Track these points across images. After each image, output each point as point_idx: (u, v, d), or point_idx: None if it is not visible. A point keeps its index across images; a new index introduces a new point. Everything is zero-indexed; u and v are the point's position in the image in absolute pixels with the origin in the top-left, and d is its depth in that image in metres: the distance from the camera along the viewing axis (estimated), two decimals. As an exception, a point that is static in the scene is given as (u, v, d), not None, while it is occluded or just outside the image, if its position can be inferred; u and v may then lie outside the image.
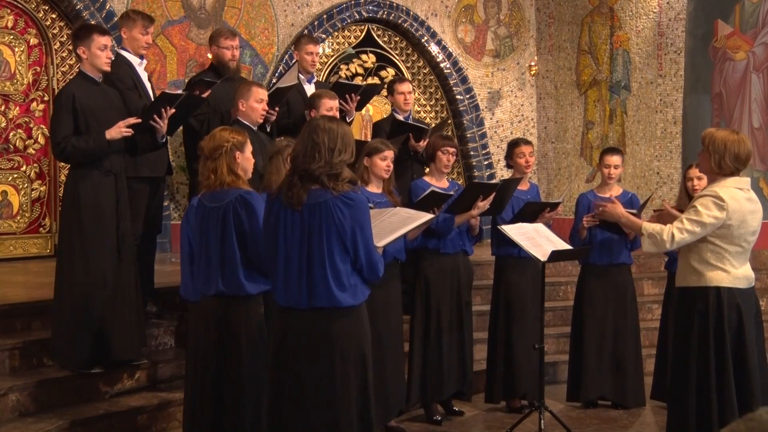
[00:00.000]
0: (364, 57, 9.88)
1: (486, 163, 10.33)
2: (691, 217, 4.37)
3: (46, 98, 8.13)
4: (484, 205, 5.78)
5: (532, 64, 10.61)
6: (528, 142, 6.37)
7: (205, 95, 5.94)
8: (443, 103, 10.32)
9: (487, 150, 10.36)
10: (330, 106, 5.94)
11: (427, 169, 6.56)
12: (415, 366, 5.86)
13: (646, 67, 9.66)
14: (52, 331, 5.36)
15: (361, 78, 9.70)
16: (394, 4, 9.82)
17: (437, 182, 5.96)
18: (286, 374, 3.85)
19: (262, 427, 4.15)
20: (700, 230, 4.35)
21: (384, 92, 7.98)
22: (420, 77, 10.21)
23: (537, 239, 5.60)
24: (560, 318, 7.54)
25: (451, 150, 6.00)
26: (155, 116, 5.39)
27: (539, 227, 5.81)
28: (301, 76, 6.90)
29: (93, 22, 7.80)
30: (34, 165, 8.13)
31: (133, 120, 5.31)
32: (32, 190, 8.14)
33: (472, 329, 6.09)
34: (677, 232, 4.38)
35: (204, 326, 4.33)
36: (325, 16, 9.41)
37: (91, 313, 5.22)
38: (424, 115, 10.17)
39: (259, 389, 4.18)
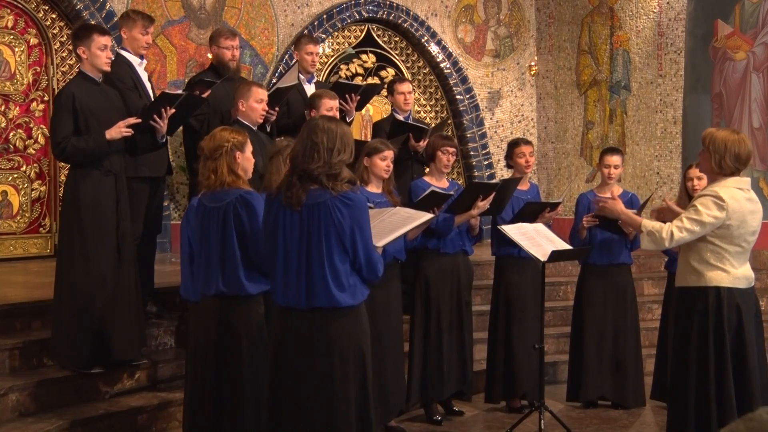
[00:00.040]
0: (364, 57, 9.88)
1: (486, 163, 10.33)
2: (690, 216, 4.37)
3: (46, 98, 8.13)
4: (484, 205, 5.78)
5: (532, 64, 10.61)
6: (528, 142, 6.37)
7: (205, 95, 5.94)
8: (443, 103, 10.32)
9: (487, 150, 10.36)
10: (330, 106, 5.94)
11: (427, 169, 6.56)
12: (415, 366, 5.86)
13: (646, 67, 9.66)
14: (52, 331, 5.36)
15: (361, 78, 9.70)
16: (394, 4, 9.83)
17: (437, 182, 5.96)
18: (285, 374, 3.85)
19: (262, 428, 4.15)
20: (700, 229, 4.35)
21: (384, 92, 7.98)
22: (420, 77, 10.21)
23: (537, 239, 5.60)
24: (560, 318, 7.54)
25: (451, 150, 6.00)
26: (155, 116, 5.39)
27: (539, 227, 5.81)
28: (301, 76, 6.90)
29: (93, 22, 7.81)
30: (34, 165, 8.13)
31: (133, 120, 5.31)
32: (32, 190, 8.15)
33: (472, 329, 6.09)
34: (676, 230, 4.38)
35: (204, 326, 4.33)
36: (325, 16, 9.41)
37: (91, 313, 5.22)
38: (424, 115, 10.17)
39: (260, 389, 4.18)
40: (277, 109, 6.20)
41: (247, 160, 4.38)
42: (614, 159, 6.28)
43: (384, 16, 9.81)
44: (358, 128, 9.59)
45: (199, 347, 4.36)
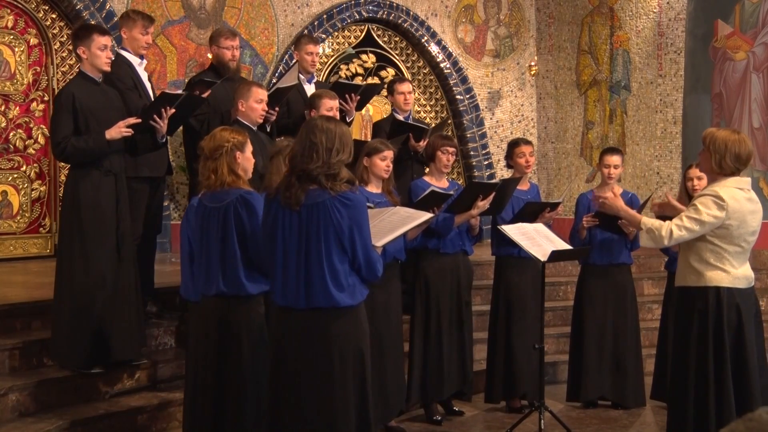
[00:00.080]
0: (364, 57, 9.88)
1: (486, 163, 10.33)
2: (690, 215, 4.38)
3: (46, 98, 8.13)
4: (483, 204, 5.78)
5: (532, 64, 10.61)
6: (528, 142, 6.37)
7: (205, 95, 5.94)
8: (443, 103, 10.32)
9: (487, 150, 10.36)
10: (330, 106, 5.94)
11: (427, 169, 6.56)
12: (415, 366, 5.86)
13: (646, 67, 9.66)
14: (52, 331, 5.35)
15: (361, 78, 9.70)
16: (394, 4, 9.82)
17: (437, 182, 5.96)
18: (284, 374, 3.85)
19: (261, 427, 4.15)
20: (699, 228, 4.35)
21: (384, 92, 7.98)
22: (420, 77, 10.21)
23: (537, 239, 5.60)
24: (560, 318, 7.54)
25: (451, 150, 6.00)
26: (155, 116, 5.39)
27: (539, 227, 5.81)
28: (301, 76, 6.90)
29: (93, 22, 7.81)
30: (34, 165, 8.13)
31: (132, 120, 5.31)
32: (32, 190, 8.15)
33: (472, 329, 6.09)
34: (676, 229, 4.38)
35: (204, 326, 4.33)
36: (325, 16, 9.41)
37: (91, 313, 5.22)
38: (424, 115, 10.17)
39: (260, 389, 4.18)
40: (277, 109, 6.20)
41: (247, 160, 4.38)
42: (614, 159, 6.28)
43: (384, 16, 9.81)
44: (358, 128, 9.59)
45: (200, 347, 4.35)
